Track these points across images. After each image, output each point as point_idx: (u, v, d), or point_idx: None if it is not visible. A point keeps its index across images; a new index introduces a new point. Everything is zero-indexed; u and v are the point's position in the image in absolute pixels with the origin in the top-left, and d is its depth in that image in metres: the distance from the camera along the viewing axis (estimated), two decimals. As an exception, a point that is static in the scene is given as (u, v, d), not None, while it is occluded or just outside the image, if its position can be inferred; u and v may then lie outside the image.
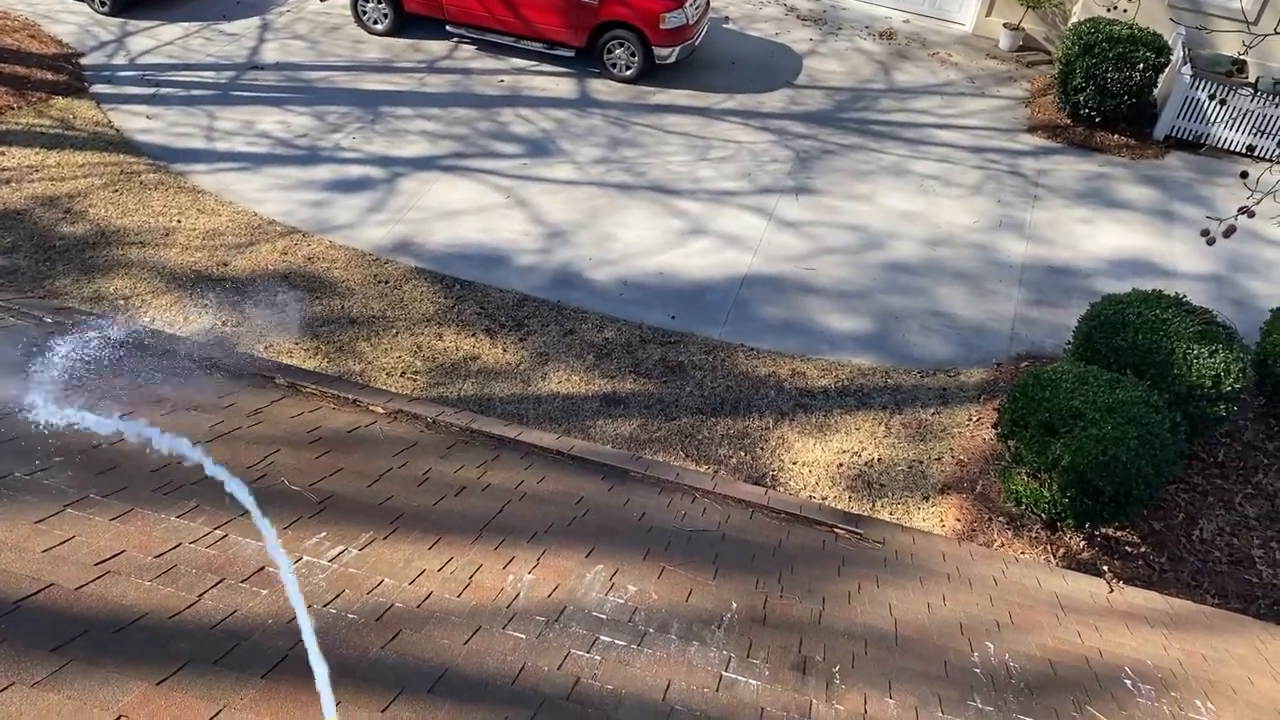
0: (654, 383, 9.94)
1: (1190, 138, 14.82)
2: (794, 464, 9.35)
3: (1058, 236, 12.70)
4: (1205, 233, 5.62)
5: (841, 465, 9.41)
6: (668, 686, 3.10)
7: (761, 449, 9.49)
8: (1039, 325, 11.07)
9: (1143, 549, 8.64)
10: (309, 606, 3.03)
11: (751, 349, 10.51)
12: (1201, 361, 8.73)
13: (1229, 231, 5.78)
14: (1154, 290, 9.44)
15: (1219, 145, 14.76)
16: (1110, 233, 12.86)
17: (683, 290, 11.11)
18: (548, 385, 9.72)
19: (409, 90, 14.41)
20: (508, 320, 10.39)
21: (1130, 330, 9.00)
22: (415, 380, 9.61)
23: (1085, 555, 8.47)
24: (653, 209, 12.41)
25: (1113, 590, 4.89)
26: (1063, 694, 3.66)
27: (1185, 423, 8.58)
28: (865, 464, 9.43)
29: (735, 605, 3.78)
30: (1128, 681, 3.87)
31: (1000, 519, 8.86)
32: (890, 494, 9.14)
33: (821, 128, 14.66)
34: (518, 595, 3.45)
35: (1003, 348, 10.78)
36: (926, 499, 9.13)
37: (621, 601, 3.59)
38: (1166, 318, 8.99)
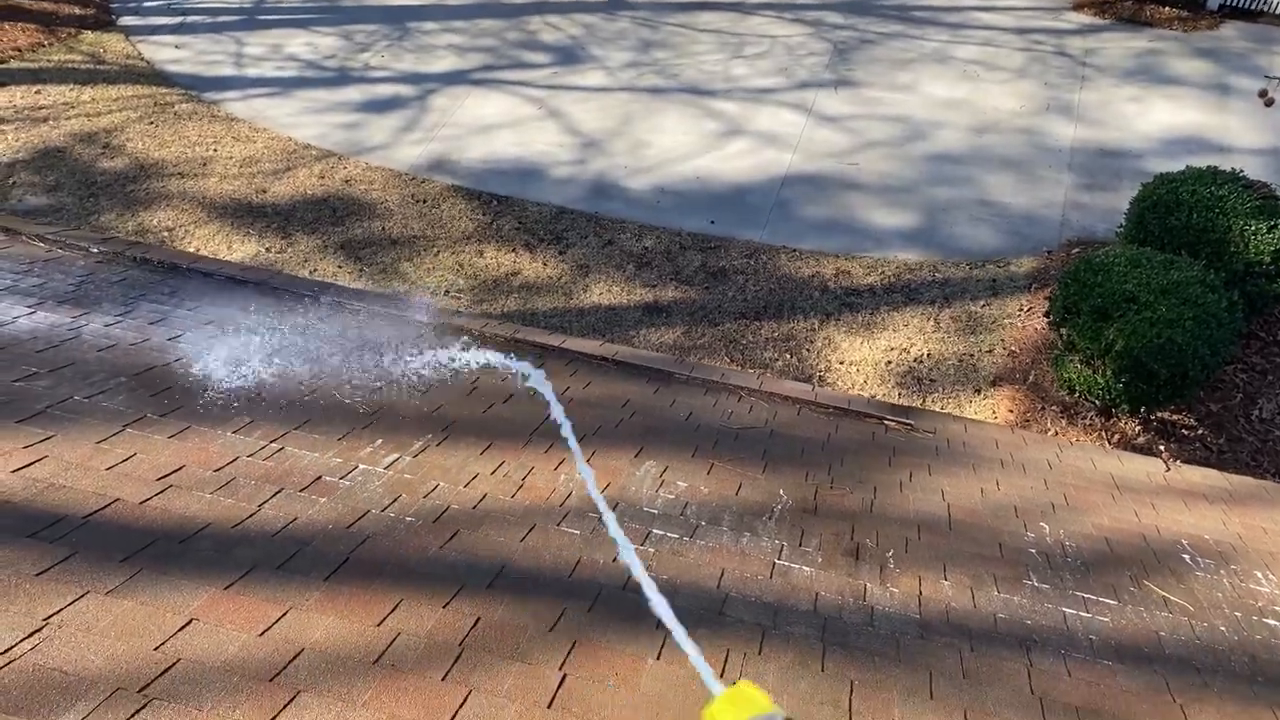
0: (696, 289, 9.87)
1: (1247, 5, 14.14)
2: (841, 364, 9.29)
3: (1107, 117, 12.28)
4: (1263, 93, 5.39)
5: (890, 363, 9.33)
6: (721, 575, 3.13)
7: (807, 350, 9.43)
8: (1090, 210, 10.77)
9: (1200, 431, 8.51)
10: (368, 513, 3.09)
11: (794, 250, 10.37)
12: (1260, 237, 8.46)
13: (1289, 93, 5.53)
14: (1209, 167, 9.12)
15: (1278, 12, 14.07)
16: (1162, 110, 12.41)
17: (721, 194, 10.96)
18: (589, 297, 9.70)
19: (434, 3, 14.17)
20: (546, 234, 10.34)
21: (1184, 209, 8.73)
22: (460, 299, 9.64)
23: (1141, 440, 8.37)
24: (687, 112, 12.18)
25: (1169, 469, 4.83)
26: (1120, 570, 3.64)
27: (1243, 301, 8.36)
28: (914, 360, 9.34)
29: (786, 497, 3.79)
30: (1186, 556, 3.84)
31: (1054, 408, 8.76)
32: (941, 388, 9.06)
33: (859, 17, 14.21)
34: (570, 494, 3.48)
35: (1053, 235, 10.53)
36: (978, 392, 9.04)
37: (672, 497, 3.61)
38: (1222, 194, 8.70)
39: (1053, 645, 3.05)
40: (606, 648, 2.66)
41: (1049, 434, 8.52)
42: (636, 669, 2.59)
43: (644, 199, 10.83)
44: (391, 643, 2.52)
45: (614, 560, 3.09)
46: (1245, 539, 4.12)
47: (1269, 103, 5.48)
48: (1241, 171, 9.14)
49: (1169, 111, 12.38)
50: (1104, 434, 8.52)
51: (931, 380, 9.13)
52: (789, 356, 9.35)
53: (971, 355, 9.31)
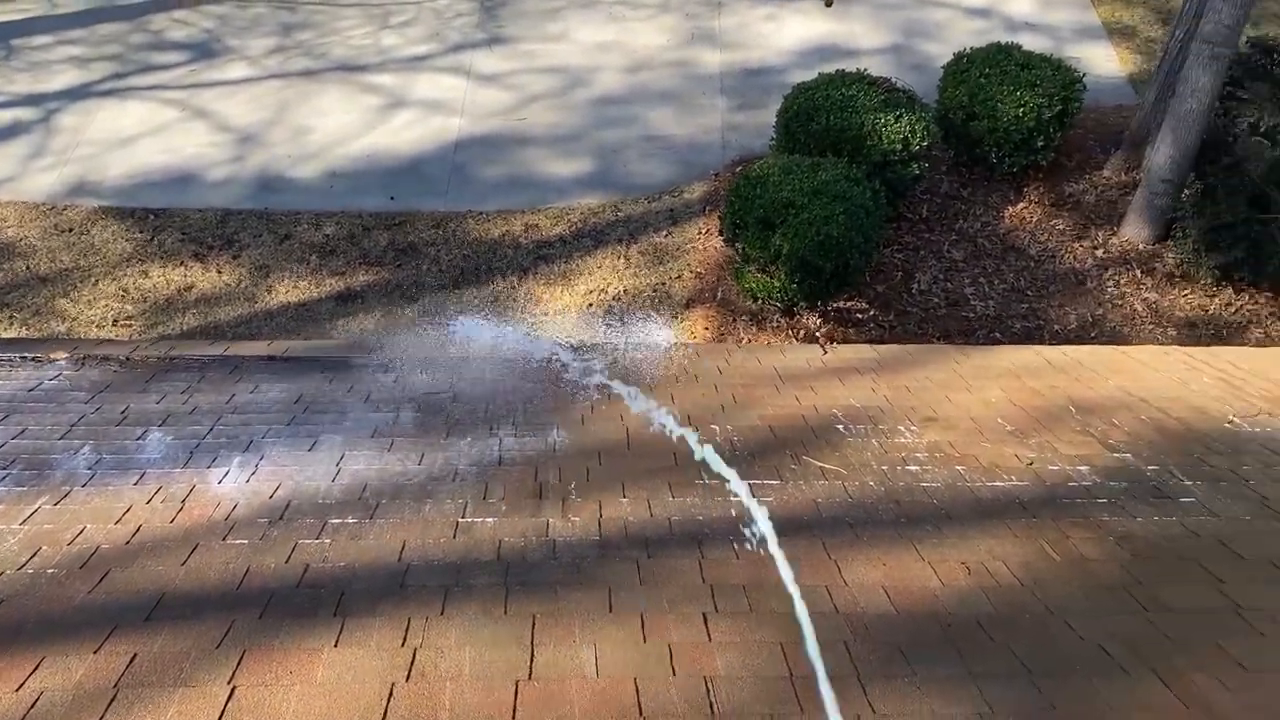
0: (388, 269, 9.66)
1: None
2: (545, 315, 9.41)
3: (747, 39, 12.98)
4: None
5: (592, 305, 9.55)
6: (403, 547, 3.11)
7: (513, 308, 9.48)
8: (745, 129, 11.40)
9: (871, 312, 9.30)
10: (1, 574, 2.83)
11: (480, 213, 10.35)
12: (889, 129, 9.27)
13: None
14: (838, 71, 9.86)
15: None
16: (795, 25, 13.25)
17: (396, 168, 10.73)
18: (276, 297, 9.28)
19: (39, 15, 12.86)
20: (215, 240, 9.76)
21: (823, 114, 9.41)
22: (131, 325, 8.94)
23: (822, 330, 9.04)
24: (345, 90, 11.79)
25: (826, 352, 5.25)
26: (782, 452, 3.94)
27: (885, 189, 9.17)
28: (613, 299, 9.60)
29: (470, 454, 3.82)
30: (840, 426, 4.20)
31: (744, 317, 9.29)
32: (641, 320, 9.38)
33: (502, -27, 14.21)
34: (236, 506, 3.34)
35: (717, 158, 11.08)
36: (675, 317, 9.43)
37: (348, 482, 3.54)
38: (852, 94, 9.44)
39: (722, 535, 3.26)
40: (280, 649, 2.59)
41: (743, 342, 9.03)
42: (313, 662, 2.54)
43: (315, 186, 10.42)
44: (33, 705, 2.34)
45: (286, 562, 3.00)
46: (891, 400, 4.56)
47: (829, 3, 5.95)
48: (867, 70, 9.94)
49: (801, 26, 13.24)
50: (790, 332, 9.14)
51: (632, 314, 9.44)
52: (496, 317, 9.37)
53: (663, 284, 9.69)
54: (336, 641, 2.62)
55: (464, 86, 11.93)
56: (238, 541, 3.11)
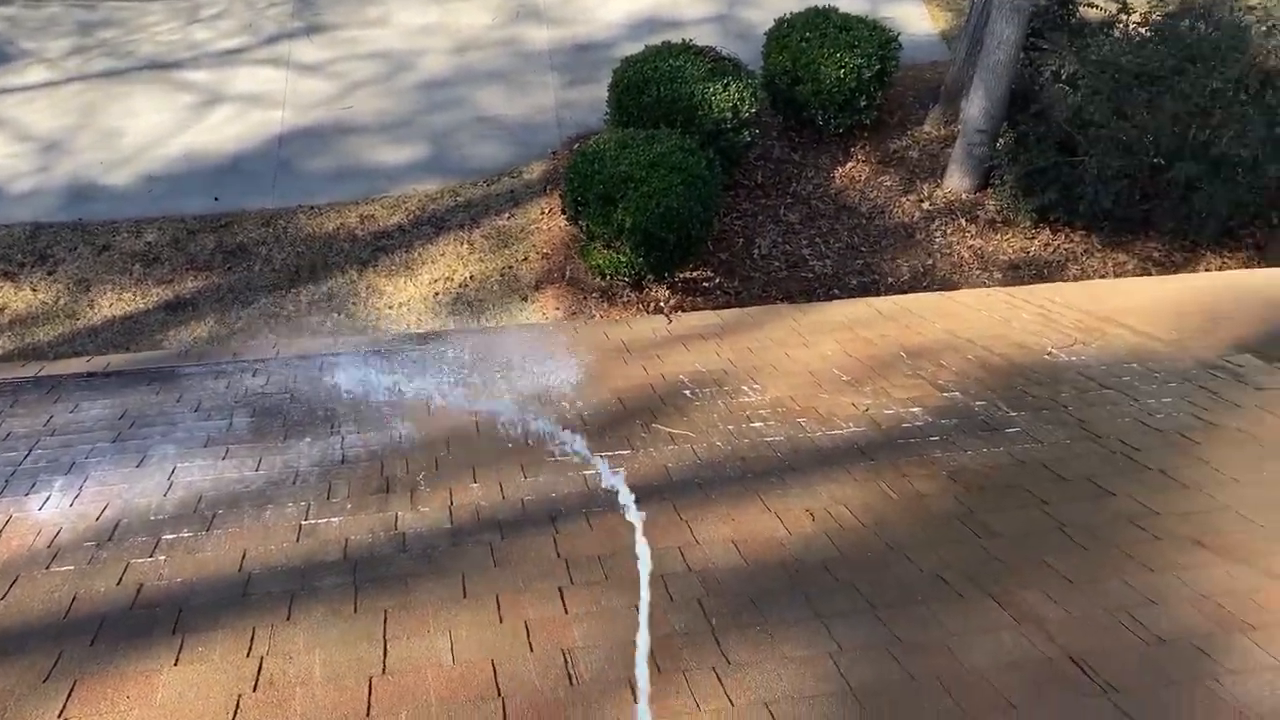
0: (217, 273, 9.26)
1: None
2: (390, 308, 9.21)
3: (574, 14, 12.93)
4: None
5: (438, 294, 9.40)
6: (243, 556, 3.00)
7: (354, 304, 9.23)
8: (579, 105, 11.38)
9: (717, 280, 9.45)
10: None
11: (311, 207, 10.03)
12: (718, 97, 9.41)
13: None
14: (664, 42, 9.94)
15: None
16: (620, -1, 13.28)
17: (218, 167, 10.28)
18: (99, 312, 8.78)
19: None
20: (26, 257, 9.15)
21: (653, 85, 9.48)
22: (-63, 355, 8.31)
23: (671, 301, 9.15)
24: (157, 89, 11.21)
25: (671, 321, 5.31)
26: (632, 422, 3.97)
27: (720, 157, 9.32)
28: (460, 286, 9.47)
29: (310, 454, 3.70)
30: (686, 392, 4.26)
31: (594, 294, 9.31)
32: (491, 305, 9.29)
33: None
34: (59, 531, 3.15)
35: (553, 136, 11.03)
36: (525, 299, 9.37)
37: (182, 495, 3.39)
38: (680, 65, 9.54)
39: (575, 508, 3.27)
40: (115, 675, 2.46)
41: (596, 318, 9.06)
42: (151, 684, 2.43)
43: (132, 192, 9.89)
44: None
45: (118, 584, 2.85)
46: (734, 362, 4.65)
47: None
48: (692, 41, 10.05)
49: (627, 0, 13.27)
50: (640, 305, 9.21)
51: (480, 300, 9.33)
52: (338, 315, 9.11)
53: (510, 267, 9.61)
54: (176, 660, 2.51)
55: (284, 78, 11.50)
56: (63, 568, 2.94)
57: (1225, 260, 9.77)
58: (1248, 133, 8.68)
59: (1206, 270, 9.52)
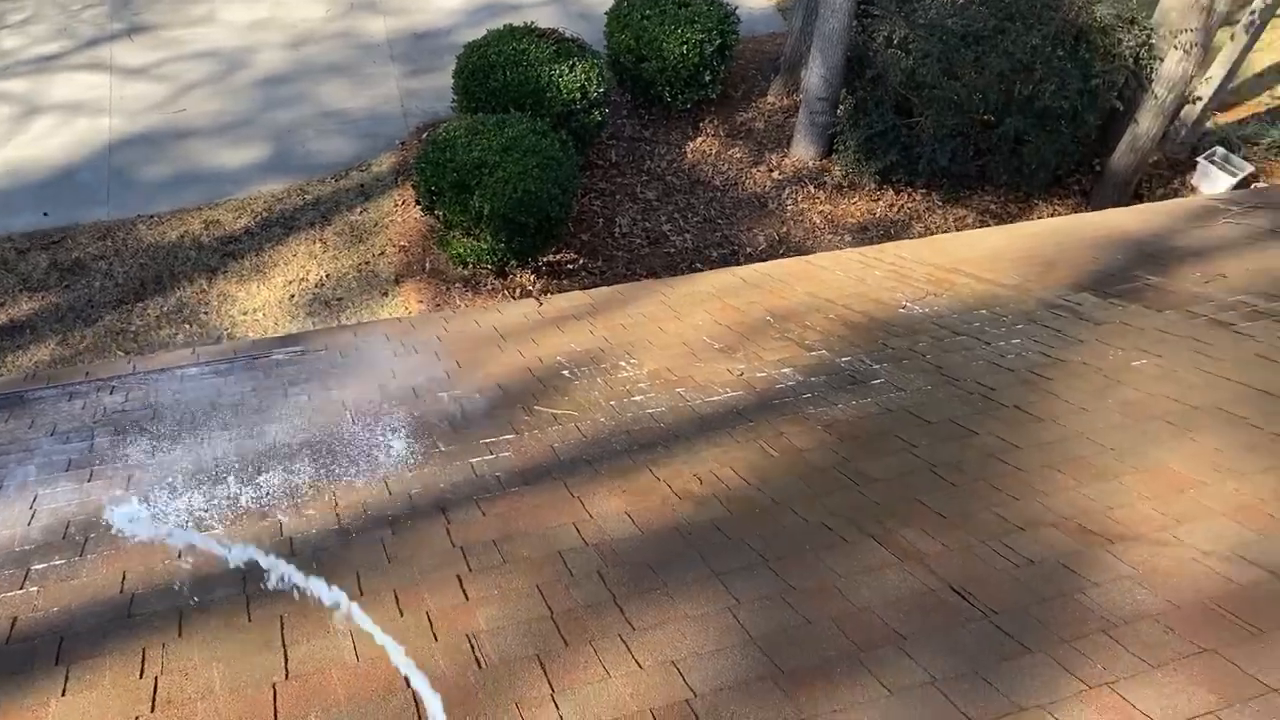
0: (54, 292, 8.77)
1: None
2: (244, 314, 8.91)
3: (409, 2, 12.70)
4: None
5: (294, 296, 9.14)
6: (124, 578, 2.89)
7: (206, 313, 8.90)
8: (425, 94, 11.21)
9: (581, 261, 9.50)
10: None
11: (151, 217, 9.60)
12: (566, 78, 9.42)
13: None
14: (506, 26, 9.87)
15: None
16: (458, -15, 13.11)
17: (44, 181, 9.72)
18: (-76, 343, 8.20)
19: None
20: None
21: (498, 70, 9.41)
22: None
23: (536, 285, 9.14)
24: (-34, 102, 10.49)
25: (542, 304, 5.32)
26: (513, 407, 3.98)
27: (573, 138, 9.34)
28: (316, 286, 9.24)
29: (181, 469, 3.58)
30: (565, 372, 4.29)
31: (457, 285, 9.22)
32: (351, 304, 9.10)
33: (130, -45, 13.06)
34: (-86, 574, 2.96)
35: (400, 127, 10.83)
36: (385, 294, 9.22)
37: (48, 522, 3.23)
38: (524, 48, 9.50)
39: (465, 496, 3.27)
40: (-2, 714, 2.35)
41: (461, 308, 8.98)
42: (38, 716, 2.32)
43: (-52, 214, 9.25)
44: None
45: (-13, 619, 2.71)
46: (609, 339, 4.70)
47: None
48: (534, 23, 10.01)
49: (464, -16, 13.10)
50: (506, 292, 9.18)
51: (339, 299, 9.12)
52: (190, 326, 8.76)
53: (367, 263, 9.43)
54: (64, 690, 2.41)
55: (108, 83, 10.93)
56: (-76, 613, 2.77)
57: (1056, 207, 10.38)
58: (1066, 86, 9.23)
59: (1040, 218, 10.09)
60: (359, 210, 9.90)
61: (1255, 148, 11.12)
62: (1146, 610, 2.45)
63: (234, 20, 12.07)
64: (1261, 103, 12.57)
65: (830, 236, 9.97)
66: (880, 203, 10.33)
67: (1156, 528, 2.79)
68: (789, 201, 10.32)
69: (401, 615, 2.65)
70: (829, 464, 3.39)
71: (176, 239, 9.39)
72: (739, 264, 9.31)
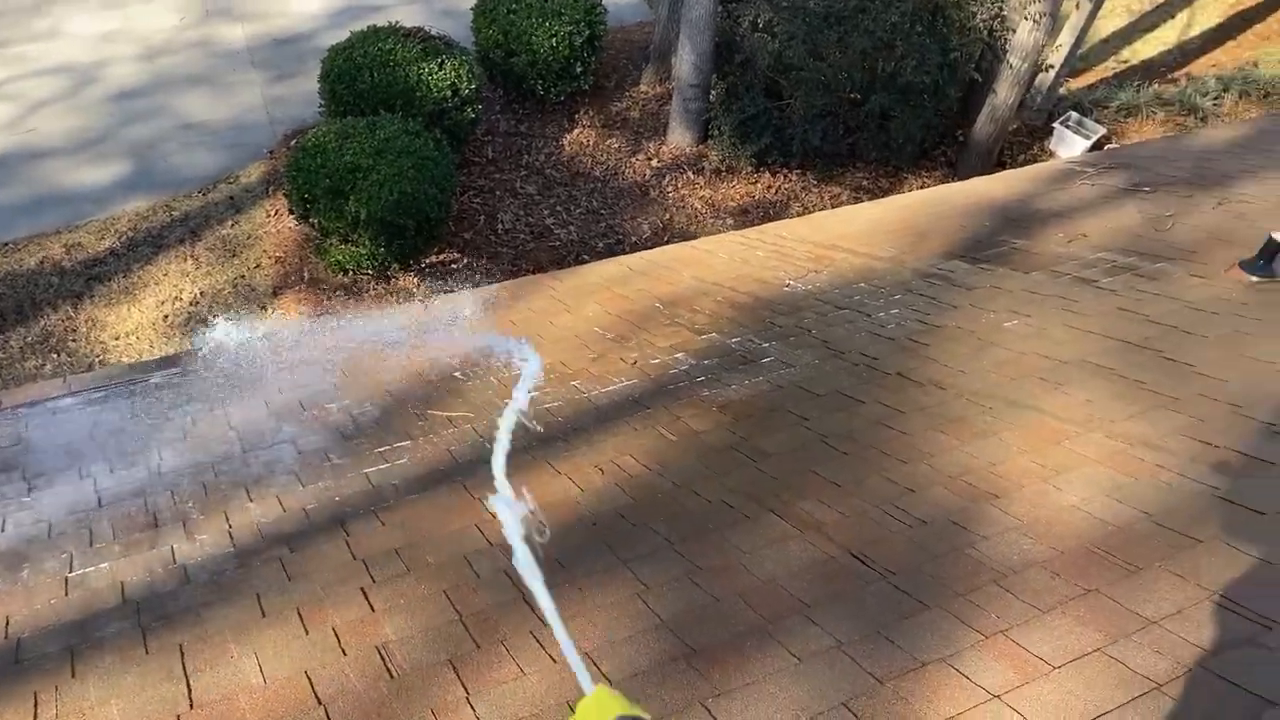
0: (-96, 329, 8.26)
1: None
2: (117, 339, 8.55)
3: (267, 7, 12.35)
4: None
5: (168, 317, 8.81)
6: (7, 623, 2.75)
7: (75, 341, 8.50)
8: (291, 101, 10.92)
9: (465, 260, 9.40)
10: None
11: (6, 243, 9.12)
12: (435, 76, 9.30)
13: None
14: (370, 27, 9.68)
15: None
16: (317, -14, 12.80)
17: (-118, 213, 9.13)
18: None
19: None
20: None
21: (365, 71, 9.23)
22: None
23: (421, 288, 9.01)
24: None
25: (426, 306, 5.26)
26: (406, 413, 3.93)
27: (447, 137, 9.23)
28: (191, 304, 8.92)
29: (62, 503, 3.43)
30: (457, 374, 4.26)
31: (338, 293, 9.02)
32: (230, 320, 8.80)
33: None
34: None
35: (267, 135, 10.53)
36: (264, 308, 8.95)
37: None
38: (390, 48, 9.34)
39: (363, 507, 3.21)
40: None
41: (344, 318, 8.79)
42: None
43: None
44: None
45: None
46: (501, 335, 4.67)
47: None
48: (399, 23, 9.84)
49: (323, -14, 12.80)
50: (391, 297, 9.02)
51: (216, 316, 8.82)
52: (58, 356, 8.36)
53: (242, 277, 9.15)
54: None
55: (-54, 104, 10.33)
56: None
57: (924, 179, 10.72)
58: (926, 61, 9.53)
59: (910, 190, 10.41)
60: (230, 224, 9.59)
61: (1106, 110, 11.69)
62: (1033, 558, 2.57)
63: (82, 33, 11.54)
64: (1109, 67, 13.22)
65: (713, 221, 10.10)
66: (758, 185, 10.50)
67: (1036, 479, 2.93)
68: (670, 188, 10.40)
69: (307, 633, 2.60)
70: (726, 444, 3.44)
71: (36, 265, 8.95)
72: (625, 253, 9.34)
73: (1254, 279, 4.19)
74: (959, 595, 2.46)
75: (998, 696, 2.10)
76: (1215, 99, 11.72)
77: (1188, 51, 13.29)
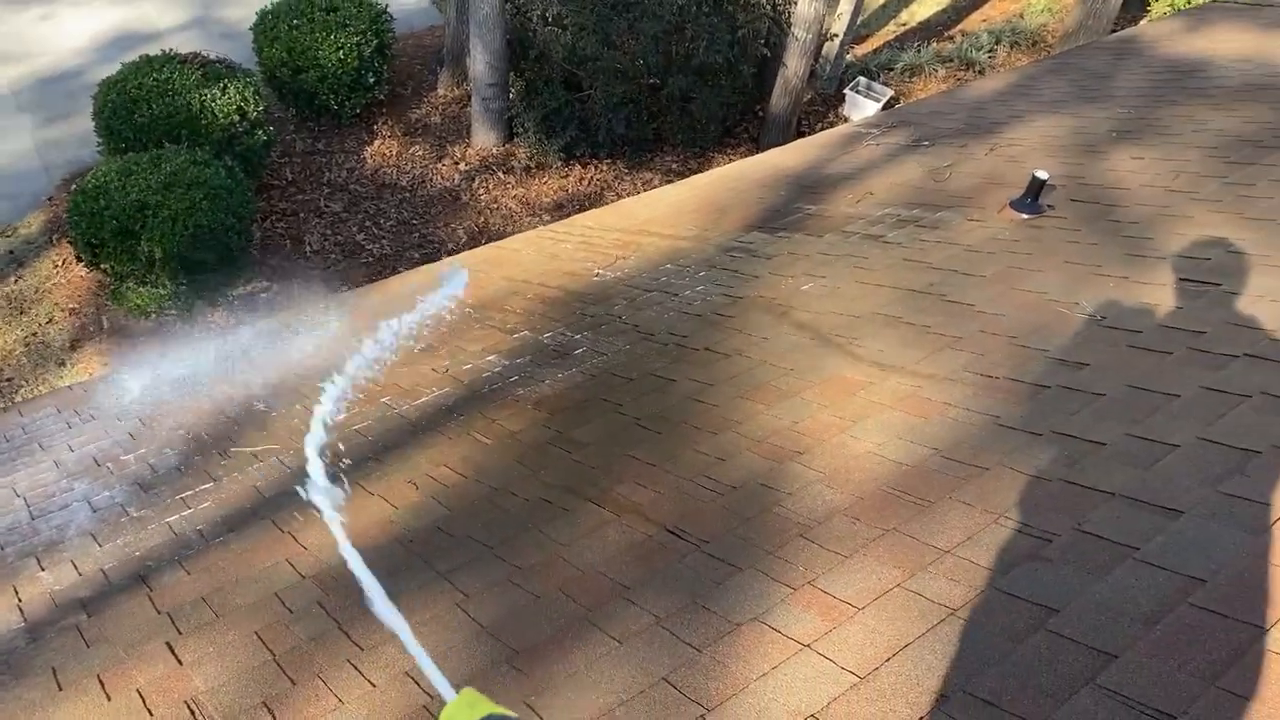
0: None
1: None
2: (-104, 418, 7.85)
3: (27, 46, 11.58)
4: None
5: (-46, 386, 8.15)
6: None
7: None
8: (66, 143, 10.27)
9: (274, 288, 9.06)
10: None
11: None
12: (220, 102, 8.92)
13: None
14: (143, 56, 9.21)
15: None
16: (79, 20, 12.06)
17: None
18: None
19: None
20: None
21: (143, 104, 8.77)
22: None
23: (228, 323, 8.64)
24: None
25: (229, 340, 5.04)
26: (209, 454, 3.75)
27: (239, 163, 8.87)
28: (-21, 370, 8.28)
29: None
30: (259, 405, 4.10)
31: (142, 337, 8.55)
32: (24, 381, 8.23)
33: None
34: None
35: (44, 181, 9.88)
36: (63, 364, 8.41)
37: None
38: (167, 77, 8.90)
39: (166, 558, 3.05)
40: None
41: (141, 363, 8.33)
42: None
43: None
44: None
45: None
46: (305, 362, 4.52)
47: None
48: (173, 50, 9.39)
49: (86, 19, 12.08)
50: (204, 334, 8.60)
51: (9, 380, 8.24)
52: None
53: (34, 334, 8.57)
54: None
55: None
56: None
57: (730, 156, 10.97)
58: (716, 40, 9.74)
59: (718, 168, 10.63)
60: (14, 279, 8.96)
61: (892, 73, 12.23)
62: (835, 507, 2.65)
63: None
64: (890, 31, 13.84)
65: (529, 219, 10.05)
66: (570, 178, 10.52)
67: (836, 431, 3.03)
68: (481, 191, 10.30)
69: (109, 699, 2.45)
70: (542, 440, 3.43)
71: None
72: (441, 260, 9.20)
73: (1024, 216, 4.46)
74: (768, 553, 2.52)
75: (808, 646, 2.16)
76: (989, 52, 12.44)
77: (960, 9, 14.05)
